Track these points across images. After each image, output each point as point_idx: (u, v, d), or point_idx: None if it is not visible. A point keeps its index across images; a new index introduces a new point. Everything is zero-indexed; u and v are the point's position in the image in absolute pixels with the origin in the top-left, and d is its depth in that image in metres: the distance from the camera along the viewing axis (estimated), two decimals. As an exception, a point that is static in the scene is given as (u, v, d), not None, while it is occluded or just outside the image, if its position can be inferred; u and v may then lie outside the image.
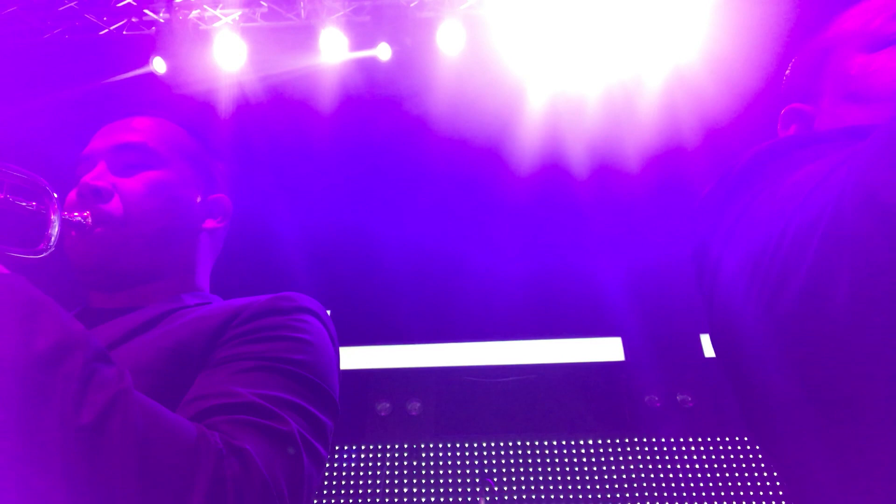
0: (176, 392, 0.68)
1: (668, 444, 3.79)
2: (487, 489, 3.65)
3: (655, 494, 3.63)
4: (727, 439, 3.76)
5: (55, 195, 0.74)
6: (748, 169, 0.66)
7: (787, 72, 0.83)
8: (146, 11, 3.54)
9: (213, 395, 0.65)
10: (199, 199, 0.95)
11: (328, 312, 0.84)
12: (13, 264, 0.63)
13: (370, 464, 3.83)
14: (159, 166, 0.90)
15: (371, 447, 3.89)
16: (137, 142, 0.90)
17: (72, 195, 0.85)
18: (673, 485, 3.65)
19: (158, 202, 0.88)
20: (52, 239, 0.74)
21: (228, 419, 0.63)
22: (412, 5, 3.52)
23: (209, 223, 0.97)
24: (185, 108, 3.60)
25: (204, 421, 0.62)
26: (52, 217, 0.74)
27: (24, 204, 0.71)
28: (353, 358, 4.17)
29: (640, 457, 3.76)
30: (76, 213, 0.80)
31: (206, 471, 0.54)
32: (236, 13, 3.56)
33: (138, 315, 0.79)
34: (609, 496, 3.64)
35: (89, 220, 0.81)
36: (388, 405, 4.07)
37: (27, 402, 0.50)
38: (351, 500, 3.73)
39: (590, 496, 3.65)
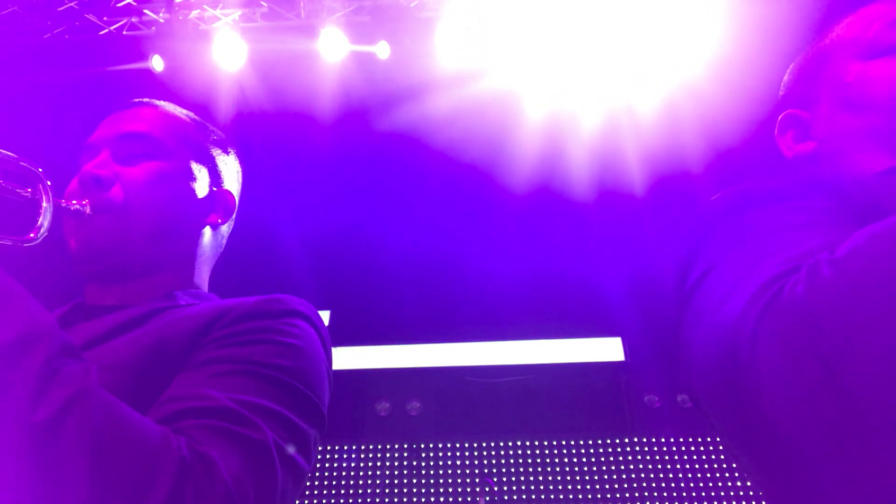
0: (154, 391, 0.65)
1: (668, 444, 3.78)
2: (487, 489, 3.64)
3: (655, 494, 3.62)
4: (727, 439, 3.74)
5: (48, 182, 0.72)
6: (716, 213, 0.67)
7: (785, 78, 0.83)
8: (146, 11, 3.55)
9: (187, 397, 0.63)
10: (203, 193, 0.93)
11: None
12: (16, 256, 0.62)
13: (370, 464, 3.83)
14: (163, 157, 0.88)
15: (371, 447, 3.88)
16: (142, 131, 0.88)
17: (73, 183, 0.83)
18: (673, 485, 3.64)
19: (160, 192, 0.86)
20: (43, 227, 0.72)
21: (198, 424, 0.59)
22: (412, 5, 3.52)
23: (213, 218, 0.94)
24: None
25: (173, 424, 0.59)
26: (45, 204, 0.72)
27: (19, 191, 0.69)
28: (353, 358, 4.16)
29: (640, 457, 3.76)
30: (74, 202, 0.78)
31: (165, 477, 0.52)
32: (236, 13, 3.57)
33: (127, 312, 0.77)
34: (609, 496, 3.63)
35: (87, 208, 0.79)
36: (388, 405, 4.07)
37: None
38: (351, 500, 3.72)
39: (590, 496, 3.64)
